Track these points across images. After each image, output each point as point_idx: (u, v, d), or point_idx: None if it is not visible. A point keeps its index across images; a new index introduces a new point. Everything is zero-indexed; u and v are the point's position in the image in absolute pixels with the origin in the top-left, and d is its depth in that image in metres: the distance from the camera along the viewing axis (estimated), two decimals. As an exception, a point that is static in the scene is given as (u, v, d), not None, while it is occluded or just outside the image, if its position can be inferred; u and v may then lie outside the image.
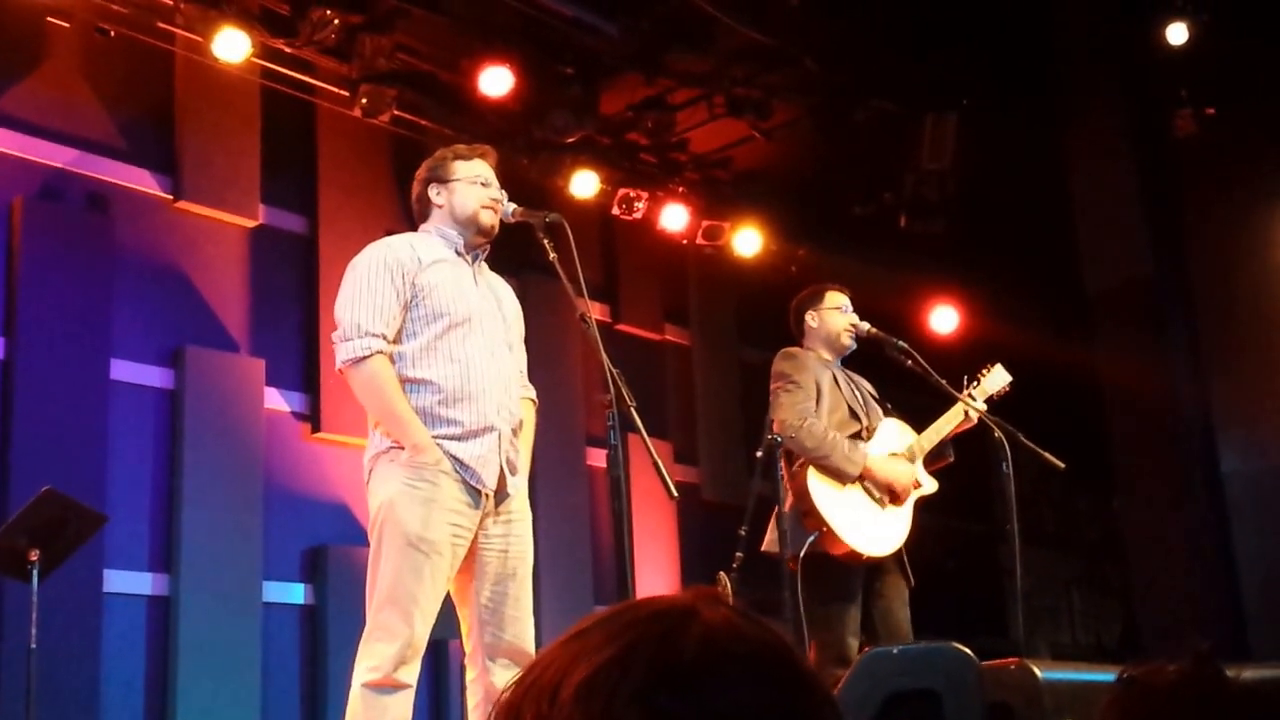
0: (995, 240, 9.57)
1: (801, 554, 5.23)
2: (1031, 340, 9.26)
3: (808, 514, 5.33)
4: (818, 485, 5.33)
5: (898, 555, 5.49)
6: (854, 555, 5.31)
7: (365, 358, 4.02)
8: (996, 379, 5.77)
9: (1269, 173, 8.68)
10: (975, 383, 5.74)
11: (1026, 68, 8.91)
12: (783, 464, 5.37)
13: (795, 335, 5.79)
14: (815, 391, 5.52)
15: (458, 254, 4.25)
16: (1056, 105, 9.07)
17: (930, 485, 5.62)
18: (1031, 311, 9.47)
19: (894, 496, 5.46)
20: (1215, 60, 8.27)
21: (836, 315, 5.73)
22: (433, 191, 4.30)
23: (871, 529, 5.38)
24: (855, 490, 5.41)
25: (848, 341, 5.72)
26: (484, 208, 4.25)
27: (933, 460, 5.66)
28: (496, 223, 4.29)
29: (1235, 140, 8.63)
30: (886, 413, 5.71)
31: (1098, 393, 8.99)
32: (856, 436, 5.51)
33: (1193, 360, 8.88)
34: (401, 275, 4.10)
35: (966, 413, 5.61)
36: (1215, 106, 8.59)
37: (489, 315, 4.21)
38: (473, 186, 4.27)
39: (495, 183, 4.32)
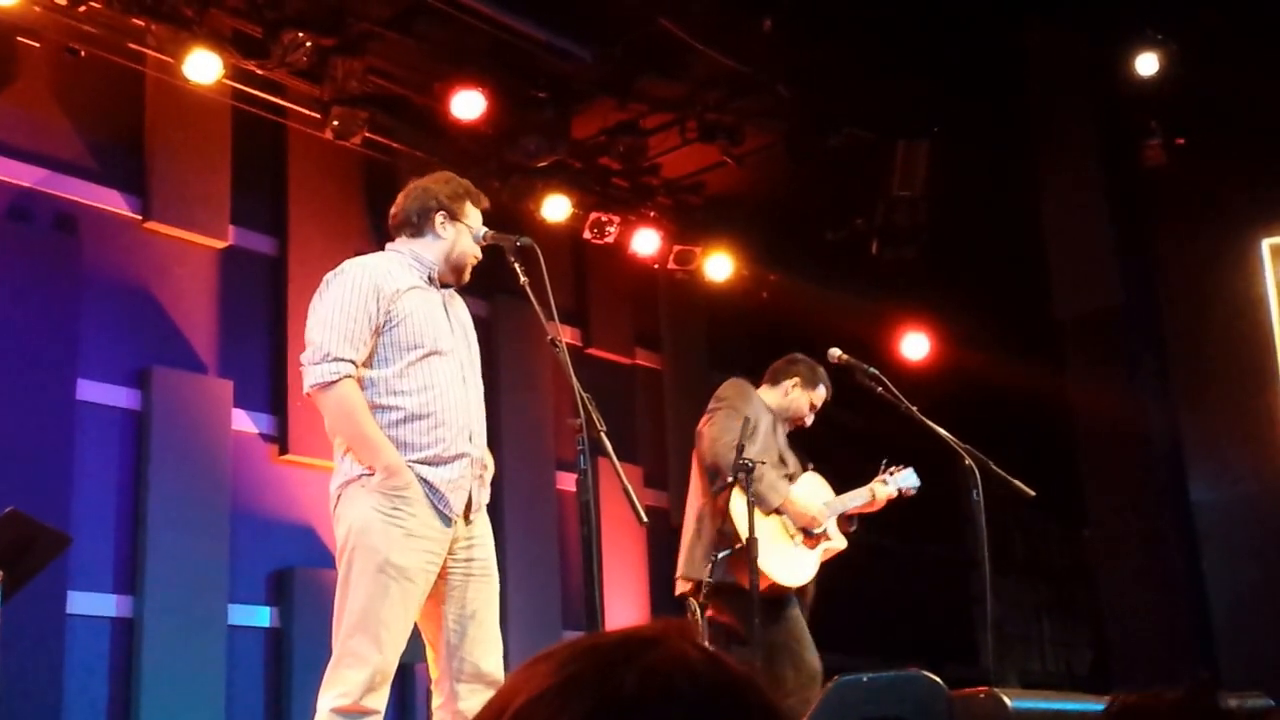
0: (966, 268, 9.61)
1: (710, 568, 5.33)
2: (1002, 368, 9.29)
3: (725, 533, 5.41)
4: (739, 509, 5.38)
5: (805, 599, 5.72)
6: (774, 587, 5.48)
7: (334, 382, 4.00)
8: (906, 479, 6.01)
9: (1238, 202, 8.73)
10: (889, 473, 6.00)
11: (998, 96, 8.95)
12: (699, 481, 5.52)
13: (768, 374, 5.96)
14: (752, 426, 5.60)
15: (429, 281, 4.25)
16: (1027, 134, 9.11)
17: (839, 542, 5.87)
18: (1002, 339, 9.50)
19: (806, 536, 5.63)
20: (1185, 91, 8.32)
21: (807, 404, 5.97)
22: (439, 219, 4.29)
23: (786, 559, 5.58)
24: (773, 521, 5.55)
25: (793, 427, 6.02)
26: (471, 263, 4.33)
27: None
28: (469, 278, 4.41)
29: (1205, 170, 8.68)
30: (807, 469, 5.95)
31: (1068, 421, 9.01)
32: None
33: (1163, 389, 8.91)
34: (377, 300, 4.08)
35: (874, 495, 5.92)
36: (1185, 137, 8.64)
37: (459, 345, 4.23)
38: (472, 237, 4.32)
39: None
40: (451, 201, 4.31)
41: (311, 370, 4.05)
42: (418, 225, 4.30)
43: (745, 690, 0.99)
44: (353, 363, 4.02)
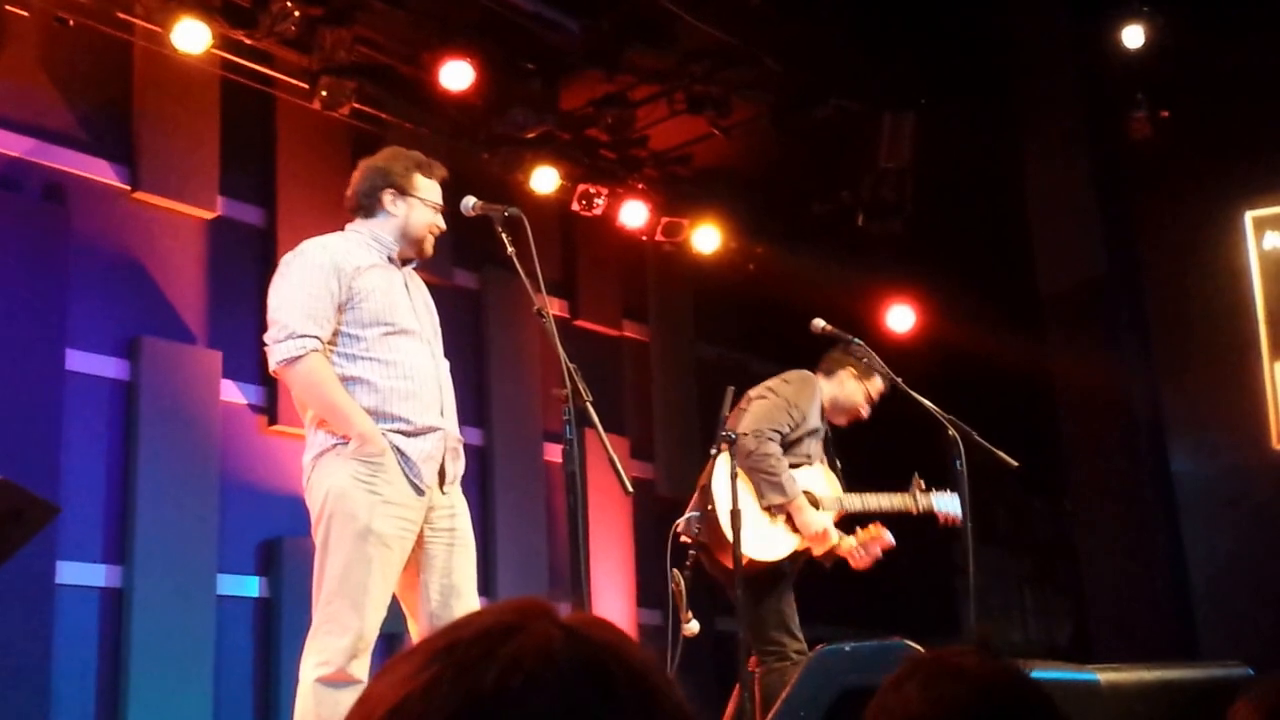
0: (952, 240, 9.64)
1: (681, 527, 5.36)
2: (986, 340, 9.34)
3: (705, 490, 5.44)
4: (720, 480, 5.35)
5: (795, 565, 5.60)
6: (751, 563, 5.29)
7: (300, 357, 4.02)
8: (949, 505, 5.68)
9: (1222, 176, 8.77)
10: (929, 490, 5.75)
11: (984, 68, 8.97)
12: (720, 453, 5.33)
13: (822, 364, 5.79)
14: (801, 424, 5.56)
15: (389, 260, 4.26)
16: (1013, 106, 9.14)
17: (841, 541, 5.58)
18: (987, 311, 9.54)
19: (791, 525, 5.49)
20: (1171, 63, 8.35)
21: (863, 396, 5.75)
22: (388, 197, 4.28)
23: (761, 534, 5.44)
24: (757, 505, 5.44)
25: (849, 421, 5.82)
26: (432, 235, 4.32)
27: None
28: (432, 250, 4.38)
29: (1189, 143, 8.71)
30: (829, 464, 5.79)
31: (1051, 392, 9.07)
32: (794, 466, 5.60)
33: (1145, 362, 8.97)
34: (338, 278, 4.09)
35: (912, 507, 5.68)
36: (1170, 109, 8.67)
37: (423, 323, 4.26)
38: (428, 209, 4.30)
39: (441, 208, 4.37)
40: (399, 177, 4.29)
41: (276, 349, 4.07)
42: (368, 206, 4.31)
43: (609, 662, 0.98)
44: (317, 339, 4.04)
